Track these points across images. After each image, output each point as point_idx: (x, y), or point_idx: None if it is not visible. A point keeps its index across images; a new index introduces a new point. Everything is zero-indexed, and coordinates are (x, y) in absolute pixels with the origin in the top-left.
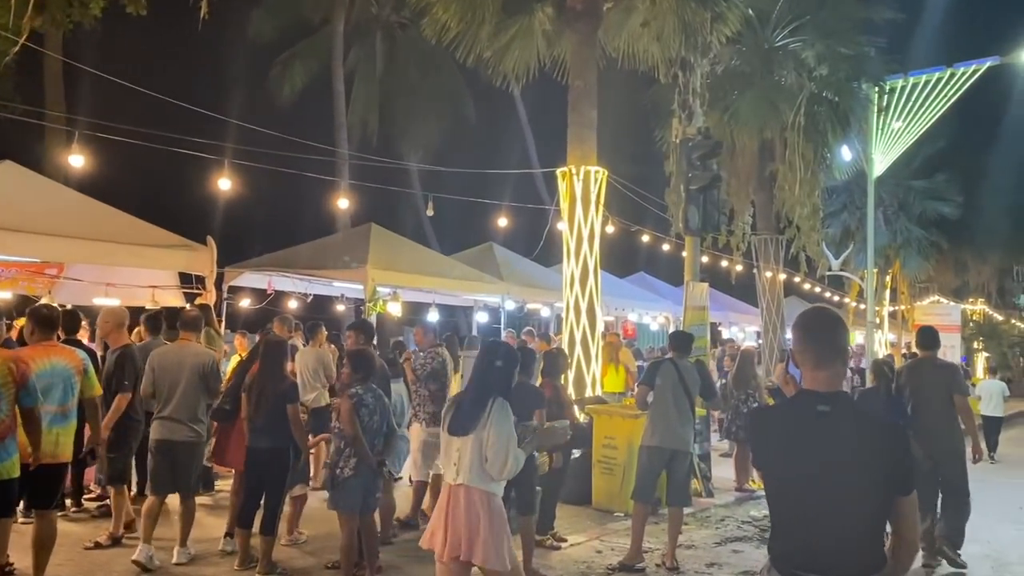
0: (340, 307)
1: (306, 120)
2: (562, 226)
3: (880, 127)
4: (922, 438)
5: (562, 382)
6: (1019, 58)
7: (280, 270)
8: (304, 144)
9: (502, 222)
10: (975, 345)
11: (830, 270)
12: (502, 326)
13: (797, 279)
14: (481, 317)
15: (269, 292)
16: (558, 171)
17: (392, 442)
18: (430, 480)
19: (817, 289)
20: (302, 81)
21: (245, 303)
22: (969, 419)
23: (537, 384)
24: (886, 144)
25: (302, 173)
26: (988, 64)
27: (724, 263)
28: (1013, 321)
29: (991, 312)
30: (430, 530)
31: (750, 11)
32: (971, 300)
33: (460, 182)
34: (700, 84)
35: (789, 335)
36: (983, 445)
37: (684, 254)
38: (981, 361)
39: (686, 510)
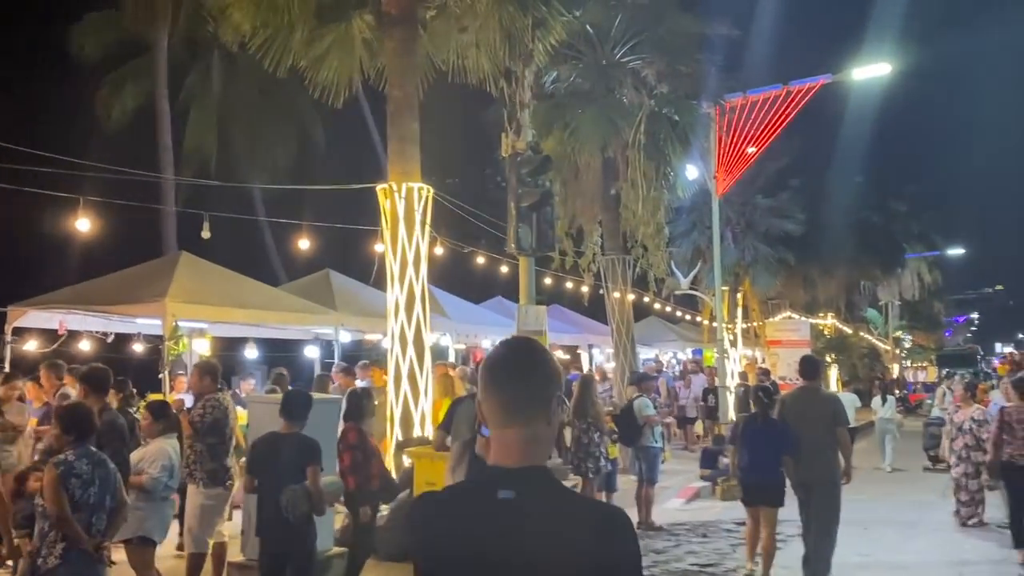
0: (138, 347)
1: (139, 144)
2: (380, 247)
3: (723, 145)
4: (800, 466)
5: (369, 425)
6: (850, 76)
7: (69, 307)
8: (115, 168)
9: (348, 247)
10: (827, 359)
11: (679, 289)
12: (336, 359)
13: (647, 299)
14: (311, 352)
15: (61, 333)
16: (378, 188)
17: (116, 519)
18: (211, 550)
19: (668, 308)
20: (134, 103)
21: (31, 346)
22: (847, 452)
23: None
24: (729, 163)
25: (111, 201)
26: (821, 82)
27: (572, 285)
28: (862, 333)
29: (841, 326)
30: None
31: (588, 27)
32: (821, 315)
33: (313, 205)
34: (528, 96)
35: (645, 356)
36: (851, 470)
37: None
38: (834, 374)
39: None
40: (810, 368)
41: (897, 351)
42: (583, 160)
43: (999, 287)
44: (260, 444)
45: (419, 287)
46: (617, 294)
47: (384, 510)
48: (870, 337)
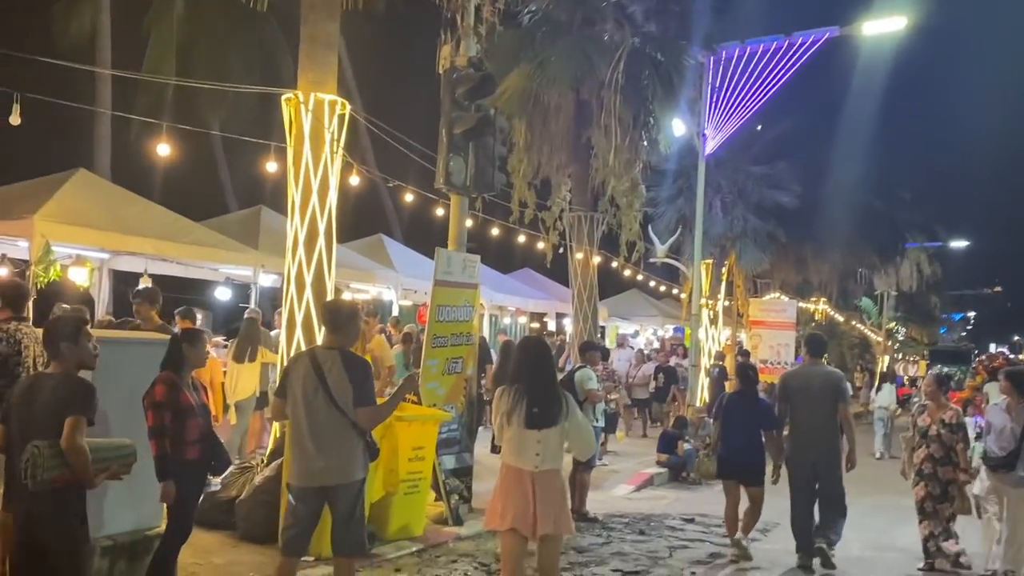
0: (2, 270)
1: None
2: (272, 166)
3: (714, 99)
4: (803, 444)
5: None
6: (860, 29)
7: None
8: None
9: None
10: None
11: (655, 257)
12: (254, 304)
13: (615, 264)
14: (222, 294)
15: None
16: (283, 98)
17: None
18: None
19: (640, 277)
20: (93, 22)
21: None
22: (850, 428)
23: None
24: (720, 120)
25: None
26: (827, 35)
27: (526, 240)
28: (854, 322)
29: (832, 312)
30: (508, 514)
31: None
32: (813, 299)
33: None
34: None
35: (624, 330)
36: (855, 455)
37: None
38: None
39: (408, 548)
40: (816, 345)
41: (889, 343)
42: (553, 100)
43: (997, 288)
44: (19, 386)
45: (323, 220)
46: (581, 255)
47: (216, 483)
48: (862, 327)
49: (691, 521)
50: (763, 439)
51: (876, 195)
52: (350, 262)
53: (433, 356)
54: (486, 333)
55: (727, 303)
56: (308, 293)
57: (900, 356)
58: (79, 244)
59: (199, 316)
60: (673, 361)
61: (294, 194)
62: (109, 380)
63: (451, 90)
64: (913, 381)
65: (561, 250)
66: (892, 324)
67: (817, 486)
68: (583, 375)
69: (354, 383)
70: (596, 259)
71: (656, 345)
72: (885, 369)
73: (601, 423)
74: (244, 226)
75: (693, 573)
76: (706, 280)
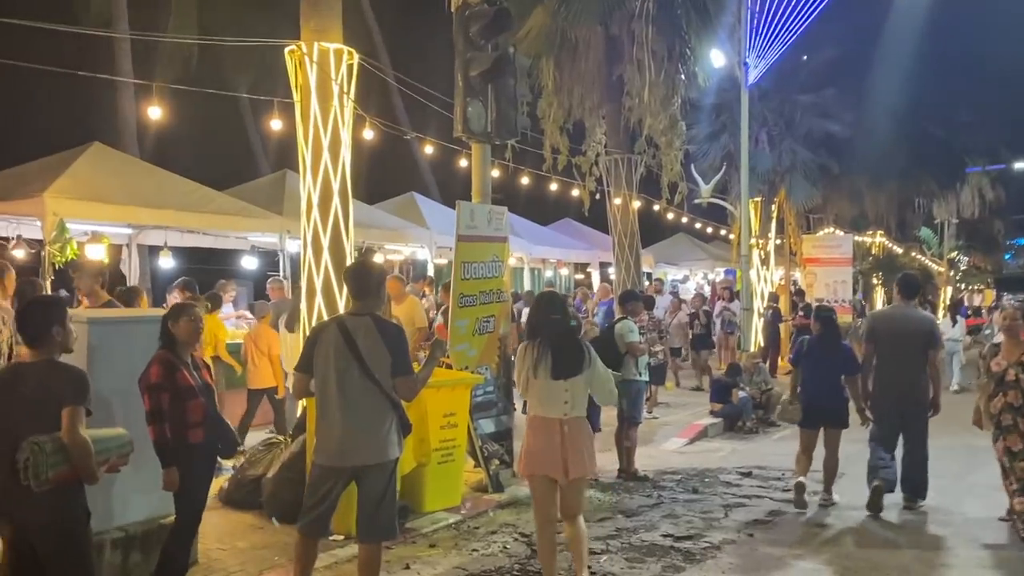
0: (18, 252)
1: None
2: (276, 123)
3: (755, 24)
4: (889, 388)
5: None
6: None
7: None
8: None
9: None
10: (873, 280)
11: (700, 198)
12: (282, 273)
13: (657, 207)
14: (249, 263)
15: None
16: (286, 51)
17: None
18: None
19: (685, 220)
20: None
21: None
22: (938, 375)
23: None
24: (762, 46)
25: None
26: None
27: (560, 189)
28: (914, 254)
29: (890, 244)
30: (538, 460)
31: None
32: (870, 233)
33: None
34: None
35: (674, 276)
36: (940, 400)
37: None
38: (880, 296)
39: (444, 521)
40: (909, 287)
41: (951, 273)
42: (581, 37)
43: None
44: None
45: (337, 179)
46: (619, 200)
47: (228, 466)
48: (922, 258)
49: (748, 475)
50: (844, 384)
51: (932, 119)
52: (382, 222)
53: (462, 316)
54: (529, 287)
55: (779, 242)
56: (326, 256)
57: (963, 286)
58: (96, 220)
59: (233, 289)
60: (719, 306)
61: (304, 153)
62: (110, 364)
63: (464, 29)
64: (977, 311)
65: (598, 196)
66: (954, 253)
67: (900, 434)
68: (623, 327)
69: (392, 351)
70: (636, 203)
71: (707, 290)
72: (950, 301)
73: (646, 377)
74: (269, 192)
75: (751, 535)
76: (755, 219)
